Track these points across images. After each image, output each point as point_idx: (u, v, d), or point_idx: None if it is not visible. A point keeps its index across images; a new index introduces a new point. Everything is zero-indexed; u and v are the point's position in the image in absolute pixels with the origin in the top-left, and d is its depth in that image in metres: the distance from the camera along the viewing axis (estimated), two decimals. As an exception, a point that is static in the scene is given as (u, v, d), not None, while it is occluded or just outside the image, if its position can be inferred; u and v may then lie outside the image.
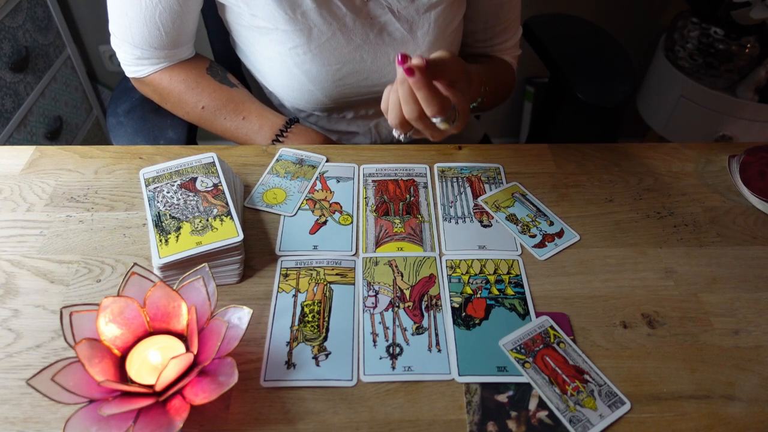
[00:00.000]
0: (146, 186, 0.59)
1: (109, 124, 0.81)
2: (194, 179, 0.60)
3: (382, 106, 0.59)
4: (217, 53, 0.96)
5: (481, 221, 0.63)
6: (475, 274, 0.57)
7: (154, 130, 0.80)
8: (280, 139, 0.75)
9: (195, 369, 0.44)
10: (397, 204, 0.65)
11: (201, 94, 0.76)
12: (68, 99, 1.61)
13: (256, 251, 0.59)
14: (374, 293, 0.56)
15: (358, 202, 0.65)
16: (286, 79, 0.75)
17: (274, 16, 0.68)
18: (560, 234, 0.62)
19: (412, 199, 0.66)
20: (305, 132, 0.77)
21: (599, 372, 0.50)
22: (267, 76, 0.78)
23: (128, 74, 0.79)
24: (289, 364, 0.50)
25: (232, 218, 0.56)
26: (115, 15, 0.71)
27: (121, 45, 0.74)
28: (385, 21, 0.72)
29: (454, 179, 0.68)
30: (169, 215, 0.56)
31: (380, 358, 0.50)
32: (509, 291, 0.56)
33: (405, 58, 0.51)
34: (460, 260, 0.59)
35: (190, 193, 0.58)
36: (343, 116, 0.82)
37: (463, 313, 0.54)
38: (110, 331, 0.45)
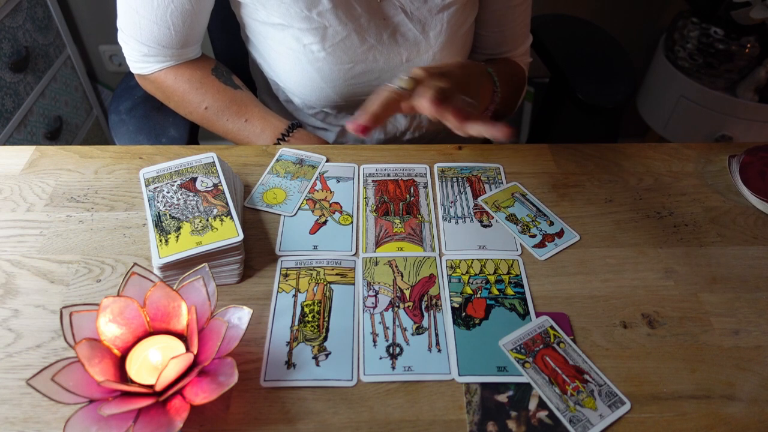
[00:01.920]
0: (146, 186, 0.59)
1: (111, 121, 0.81)
2: (194, 179, 0.60)
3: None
4: (219, 53, 0.96)
5: (481, 221, 0.63)
6: (475, 274, 0.57)
7: (156, 128, 0.80)
8: (281, 143, 0.75)
9: (195, 369, 0.44)
10: (397, 204, 0.65)
11: (205, 94, 0.76)
12: (68, 99, 1.61)
13: (256, 251, 0.59)
14: (374, 293, 0.56)
15: (358, 202, 0.65)
16: (298, 76, 0.75)
17: (290, 13, 0.68)
18: (560, 234, 0.62)
19: (412, 199, 0.66)
20: (307, 137, 0.77)
21: (599, 372, 0.50)
22: (278, 71, 0.78)
23: (133, 70, 0.78)
24: (289, 364, 0.50)
25: (232, 218, 0.56)
26: (124, 11, 0.71)
27: (128, 41, 0.74)
28: (398, 21, 0.72)
29: (454, 179, 0.68)
30: (169, 215, 0.56)
31: (380, 358, 0.50)
32: (509, 291, 0.56)
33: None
34: (460, 260, 0.59)
35: (190, 193, 0.58)
36: (351, 114, 0.82)
37: (463, 313, 0.54)
38: (110, 331, 0.45)
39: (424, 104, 0.53)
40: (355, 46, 0.72)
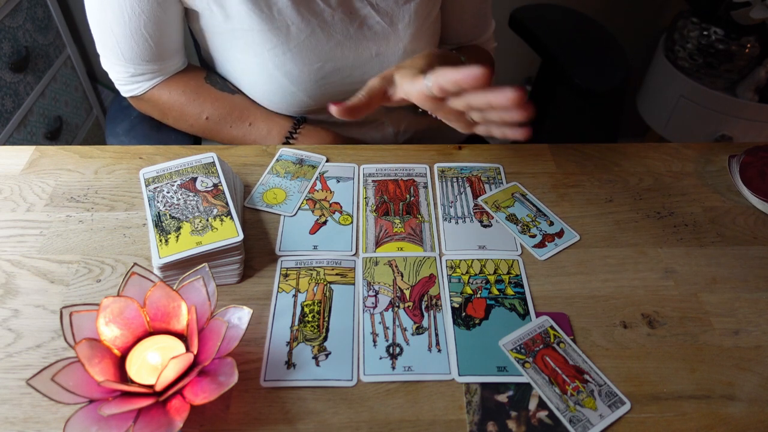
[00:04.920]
0: (146, 186, 0.59)
1: (109, 144, 0.80)
2: (194, 179, 0.60)
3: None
4: (204, 62, 0.95)
5: (481, 221, 0.63)
6: (475, 274, 0.57)
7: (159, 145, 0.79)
8: (290, 141, 0.75)
9: (195, 369, 0.44)
10: (397, 204, 0.65)
11: (203, 104, 0.75)
12: (68, 99, 1.61)
13: (256, 251, 0.59)
14: (374, 293, 0.56)
15: (358, 202, 0.65)
16: (266, 84, 0.74)
17: (250, 15, 0.66)
18: (560, 234, 0.62)
19: (412, 199, 0.66)
20: (315, 132, 0.76)
21: (599, 372, 0.50)
22: (247, 83, 0.76)
23: (124, 94, 0.77)
24: (289, 364, 0.50)
25: (232, 218, 0.56)
26: (100, 34, 0.70)
27: (112, 66, 0.73)
28: (365, 15, 0.70)
29: (454, 179, 0.68)
30: (169, 215, 0.56)
31: (380, 358, 0.50)
32: (509, 291, 0.56)
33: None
34: (460, 260, 0.59)
35: (190, 193, 0.58)
36: (333, 123, 0.81)
37: (463, 313, 0.54)
38: (110, 331, 0.45)
39: (409, 88, 0.54)
40: (321, 43, 0.70)
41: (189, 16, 0.73)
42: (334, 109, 0.55)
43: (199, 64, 0.94)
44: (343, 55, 0.72)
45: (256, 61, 0.71)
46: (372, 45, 0.72)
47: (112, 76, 0.75)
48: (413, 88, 0.54)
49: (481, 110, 0.51)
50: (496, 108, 0.49)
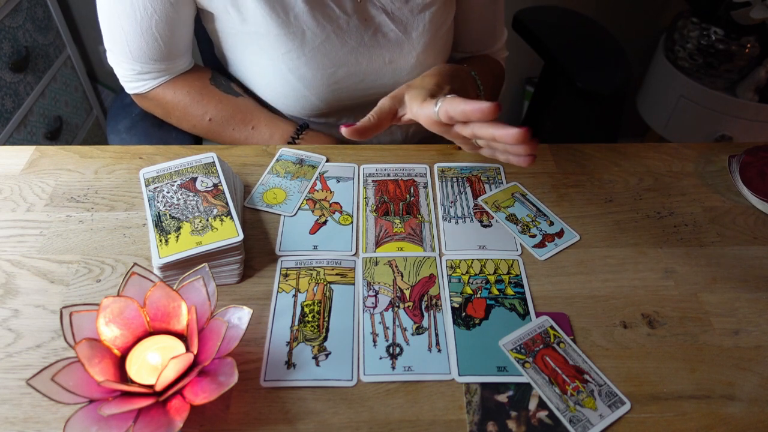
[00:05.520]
0: (146, 186, 0.59)
1: (111, 142, 0.80)
2: (194, 179, 0.60)
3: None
4: (207, 63, 0.95)
5: (481, 221, 0.63)
6: (475, 274, 0.57)
7: (159, 144, 0.79)
8: (292, 146, 0.75)
9: (195, 369, 0.44)
10: (397, 204, 0.65)
11: (207, 105, 0.75)
12: (68, 99, 1.61)
13: (256, 251, 0.59)
14: (374, 293, 0.56)
15: (358, 202, 0.65)
16: (279, 86, 0.74)
17: (266, 19, 0.66)
18: (560, 234, 0.62)
19: (412, 199, 0.66)
20: (317, 137, 0.76)
21: (599, 372, 0.50)
22: (260, 84, 0.77)
23: (129, 91, 0.77)
24: (289, 364, 0.50)
25: (232, 218, 0.56)
26: (109, 30, 0.70)
27: (119, 62, 0.73)
28: (379, 22, 0.71)
29: (454, 179, 0.68)
30: (169, 215, 0.56)
31: (380, 358, 0.50)
32: (509, 291, 0.56)
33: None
34: (460, 260, 0.59)
35: (190, 193, 0.58)
36: (341, 124, 0.81)
37: (463, 313, 0.54)
38: (110, 331, 0.45)
39: (419, 111, 0.55)
40: (335, 48, 0.70)
41: (204, 17, 0.73)
42: (344, 131, 0.55)
43: (203, 64, 0.95)
44: (357, 62, 0.72)
45: (270, 64, 0.72)
46: (385, 52, 0.73)
47: (118, 72, 0.75)
48: (422, 111, 0.55)
49: (487, 140, 0.54)
50: (500, 142, 0.51)
